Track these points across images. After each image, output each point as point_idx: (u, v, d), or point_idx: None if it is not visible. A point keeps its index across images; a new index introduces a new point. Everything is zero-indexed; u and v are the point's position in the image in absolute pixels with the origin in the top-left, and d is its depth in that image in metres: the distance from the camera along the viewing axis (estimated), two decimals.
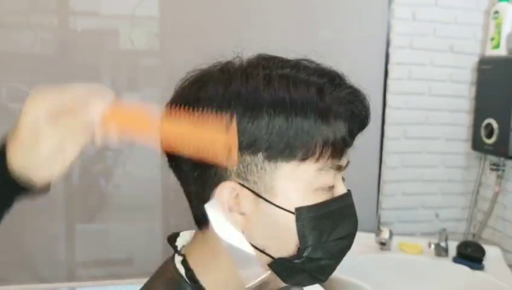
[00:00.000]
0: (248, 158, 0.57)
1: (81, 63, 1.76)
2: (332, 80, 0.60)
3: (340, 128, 0.58)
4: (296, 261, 0.58)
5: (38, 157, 0.55)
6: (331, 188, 0.60)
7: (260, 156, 0.56)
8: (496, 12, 1.92)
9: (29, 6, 1.70)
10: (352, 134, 0.61)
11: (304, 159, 0.57)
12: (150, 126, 0.55)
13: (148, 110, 0.55)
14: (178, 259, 0.64)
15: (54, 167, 0.56)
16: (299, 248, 0.58)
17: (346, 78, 0.61)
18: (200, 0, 1.81)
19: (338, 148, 0.58)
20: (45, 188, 0.58)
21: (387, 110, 1.98)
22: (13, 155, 0.55)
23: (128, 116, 0.56)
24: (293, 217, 0.57)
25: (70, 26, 1.76)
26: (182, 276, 0.62)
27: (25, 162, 0.55)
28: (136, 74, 1.87)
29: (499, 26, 1.90)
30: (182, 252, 0.65)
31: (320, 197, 0.59)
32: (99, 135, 0.57)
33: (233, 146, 0.53)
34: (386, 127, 1.99)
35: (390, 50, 1.95)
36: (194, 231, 0.67)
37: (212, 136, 0.52)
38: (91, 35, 1.79)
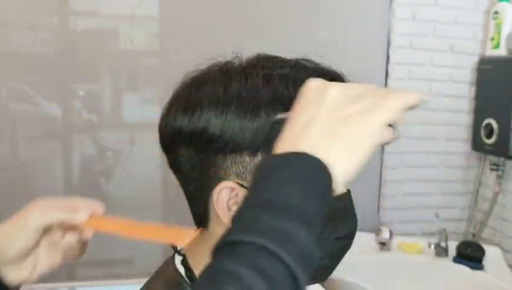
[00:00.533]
0: (247, 158, 0.57)
1: (81, 63, 1.76)
2: (332, 79, 0.60)
3: None
4: None
5: (13, 252, 0.58)
6: None
7: (259, 155, 0.56)
8: (496, 12, 1.92)
9: (29, 6, 1.70)
10: None
11: None
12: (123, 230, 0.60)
13: (124, 222, 0.61)
14: (178, 259, 0.64)
15: (23, 270, 0.59)
16: None
17: (345, 78, 0.61)
18: (200, 0, 1.81)
19: None
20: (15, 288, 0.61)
21: None
22: None
23: (106, 223, 0.62)
24: None
25: (70, 26, 1.76)
26: (182, 276, 0.62)
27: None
28: (136, 74, 1.87)
29: (499, 26, 1.90)
30: (182, 252, 0.65)
31: None
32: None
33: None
34: None
35: (390, 50, 1.95)
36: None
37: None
38: (91, 35, 1.79)
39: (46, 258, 0.61)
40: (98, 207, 0.61)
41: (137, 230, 0.59)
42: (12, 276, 0.59)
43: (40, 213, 0.58)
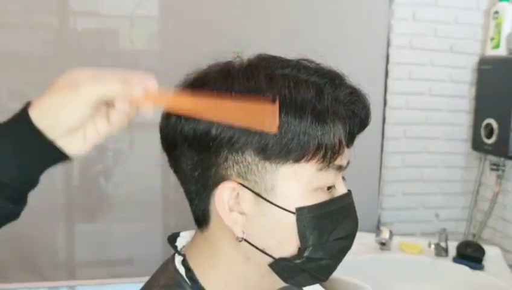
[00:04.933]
0: (249, 158, 0.57)
1: (81, 63, 1.75)
2: (333, 80, 0.60)
3: (337, 130, 0.58)
4: (297, 261, 0.58)
5: (68, 124, 0.53)
6: (332, 188, 0.60)
7: (261, 156, 0.56)
8: (496, 12, 1.92)
9: (29, 6, 1.69)
10: (352, 134, 0.62)
11: (298, 160, 0.57)
12: (187, 101, 0.55)
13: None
14: (178, 259, 0.64)
15: (75, 143, 0.54)
16: (299, 248, 0.58)
17: (346, 78, 0.61)
18: (200, 0, 1.81)
19: (335, 150, 0.58)
20: (67, 157, 0.56)
21: (388, 110, 1.98)
22: (37, 115, 0.53)
23: (167, 99, 0.56)
24: (293, 217, 0.57)
25: (70, 26, 1.76)
26: (182, 276, 0.62)
27: (48, 122, 0.53)
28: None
29: (499, 26, 1.90)
30: (182, 252, 0.65)
31: (321, 197, 0.59)
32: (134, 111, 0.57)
33: (276, 112, 0.52)
34: (386, 127, 1.99)
35: (390, 50, 1.95)
36: (194, 231, 0.67)
37: (255, 104, 0.52)
38: (91, 35, 1.79)
39: (94, 130, 0.55)
40: (151, 83, 0.55)
41: (206, 108, 0.53)
42: (65, 149, 0.54)
43: (95, 85, 0.54)
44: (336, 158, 0.59)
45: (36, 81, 1.73)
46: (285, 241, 0.58)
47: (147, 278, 0.67)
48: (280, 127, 0.55)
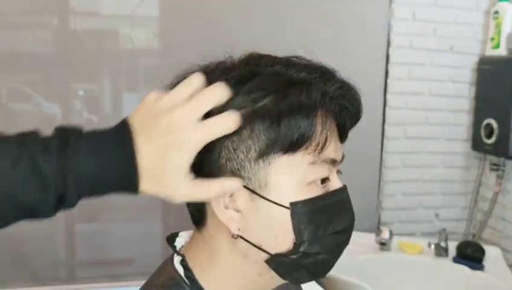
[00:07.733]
0: (241, 155, 0.57)
1: (81, 63, 1.76)
2: (323, 75, 0.60)
3: (327, 124, 0.58)
4: (293, 256, 0.58)
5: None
6: (326, 182, 0.60)
7: (253, 152, 0.56)
8: (496, 12, 1.92)
9: (29, 6, 1.70)
10: (344, 128, 0.62)
11: (286, 151, 0.57)
12: None
13: None
14: (177, 259, 0.64)
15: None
16: (295, 243, 0.58)
17: (337, 73, 0.61)
18: (200, 0, 1.81)
19: (323, 143, 0.58)
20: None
21: (388, 110, 1.98)
22: (145, 182, 0.62)
23: None
24: (288, 212, 0.57)
25: (70, 26, 1.76)
26: (181, 276, 0.62)
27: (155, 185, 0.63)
28: (135, 74, 1.87)
29: (499, 26, 1.90)
30: (181, 252, 0.65)
31: (315, 192, 0.59)
32: None
33: None
34: (386, 127, 1.99)
35: (390, 50, 1.95)
36: (192, 231, 0.67)
37: None
38: (91, 35, 1.79)
39: None
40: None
41: None
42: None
43: (201, 133, 0.54)
44: (326, 149, 0.59)
45: (36, 81, 1.73)
46: (281, 236, 0.58)
47: (146, 279, 0.67)
48: (269, 124, 0.56)
